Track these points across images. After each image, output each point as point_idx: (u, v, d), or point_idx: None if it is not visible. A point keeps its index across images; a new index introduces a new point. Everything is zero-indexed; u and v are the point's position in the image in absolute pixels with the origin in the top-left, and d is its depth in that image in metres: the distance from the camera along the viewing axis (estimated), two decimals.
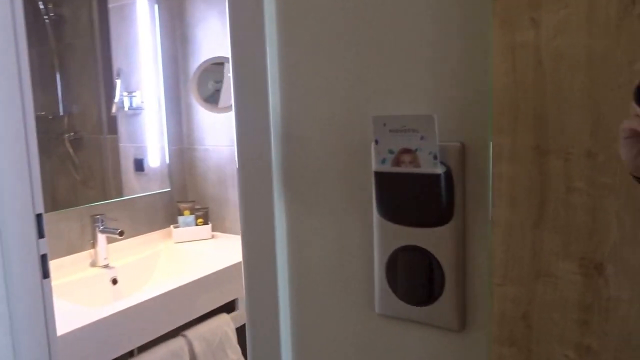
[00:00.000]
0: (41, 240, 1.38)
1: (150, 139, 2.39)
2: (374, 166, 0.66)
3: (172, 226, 2.41)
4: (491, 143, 0.57)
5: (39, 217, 1.37)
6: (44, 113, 2.08)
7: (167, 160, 2.47)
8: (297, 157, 0.76)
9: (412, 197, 0.65)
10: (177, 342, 1.85)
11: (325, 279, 0.76)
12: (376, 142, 0.65)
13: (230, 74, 0.79)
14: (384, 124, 0.64)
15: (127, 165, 2.36)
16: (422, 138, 0.62)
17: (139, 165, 2.38)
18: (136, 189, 2.37)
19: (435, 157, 0.62)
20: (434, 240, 0.66)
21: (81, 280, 1.95)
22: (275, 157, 0.76)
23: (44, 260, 1.39)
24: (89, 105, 2.25)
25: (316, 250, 0.76)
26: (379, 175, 0.66)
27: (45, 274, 1.39)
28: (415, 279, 0.67)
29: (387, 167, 0.65)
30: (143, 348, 1.81)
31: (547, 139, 0.51)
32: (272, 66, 0.75)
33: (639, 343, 0.49)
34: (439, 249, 0.66)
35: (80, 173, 2.20)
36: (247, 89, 0.76)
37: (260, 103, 0.75)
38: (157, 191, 2.44)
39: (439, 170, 0.62)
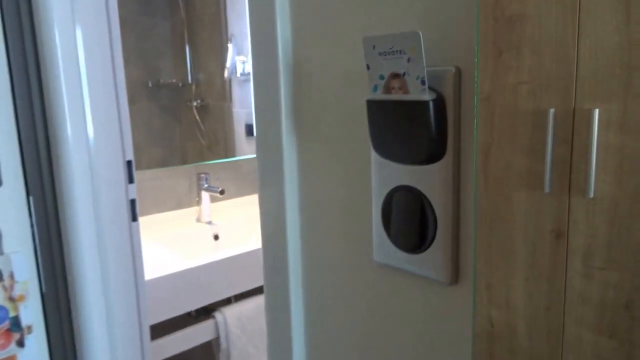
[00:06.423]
0: (130, 185, 1.47)
1: None
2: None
3: None
4: (477, 71, 0.48)
5: (129, 163, 1.46)
6: (174, 80, 2.19)
7: None
8: (304, 89, 0.71)
9: (403, 129, 0.57)
10: None
11: (330, 224, 0.71)
12: (368, 67, 0.59)
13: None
14: (374, 47, 0.57)
15: (239, 130, 2.43)
16: (409, 60, 0.54)
17: (250, 130, 2.45)
18: (246, 152, 2.45)
19: (423, 82, 0.54)
20: (426, 180, 0.58)
21: (185, 234, 2.06)
22: (285, 89, 0.72)
23: (133, 204, 1.48)
24: (213, 73, 2.34)
25: (323, 192, 0.71)
26: (370, 104, 0.60)
27: (134, 217, 1.48)
28: (407, 224, 0.60)
29: (377, 95, 0.59)
30: (238, 298, 1.90)
31: None
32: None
33: None
34: (431, 190, 0.58)
35: (204, 137, 2.31)
36: (260, 27, 0.73)
37: (270, 36, 0.72)
38: None
39: (427, 96, 0.54)
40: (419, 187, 0.59)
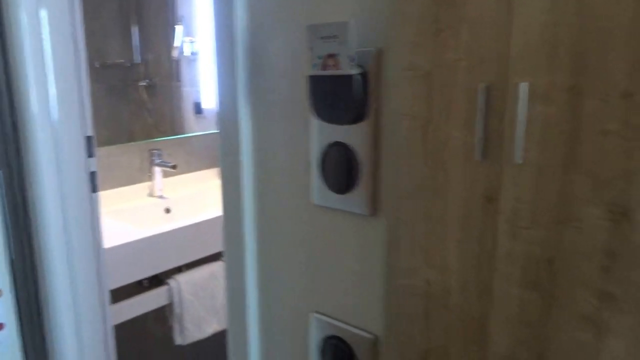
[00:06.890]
0: (90, 159, 1.57)
1: (206, 83, 2.56)
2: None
3: None
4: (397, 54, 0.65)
5: (89, 139, 1.56)
6: (122, 61, 2.22)
7: None
8: (259, 69, 0.88)
9: (336, 96, 0.75)
10: (218, 265, 2.05)
11: (279, 177, 0.88)
12: (310, 49, 0.76)
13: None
14: (315, 32, 0.74)
15: (188, 108, 2.53)
16: (341, 43, 0.72)
17: (198, 108, 2.56)
18: (195, 130, 2.56)
19: (352, 60, 0.71)
20: (353, 136, 0.76)
21: (138, 208, 2.18)
22: (242, 71, 0.88)
23: (93, 176, 1.59)
24: (161, 53, 2.39)
25: (273, 153, 0.88)
26: (310, 79, 0.77)
27: (94, 189, 1.60)
28: (339, 171, 0.78)
29: (316, 71, 0.76)
30: (188, 266, 2.04)
31: (584, 78, 0.45)
32: None
33: None
34: (356, 144, 0.76)
35: (152, 116, 2.37)
36: (220, 15, 0.89)
37: (229, 24, 0.87)
38: (212, 131, 2.62)
39: (354, 71, 0.72)
40: (347, 142, 0.77)
